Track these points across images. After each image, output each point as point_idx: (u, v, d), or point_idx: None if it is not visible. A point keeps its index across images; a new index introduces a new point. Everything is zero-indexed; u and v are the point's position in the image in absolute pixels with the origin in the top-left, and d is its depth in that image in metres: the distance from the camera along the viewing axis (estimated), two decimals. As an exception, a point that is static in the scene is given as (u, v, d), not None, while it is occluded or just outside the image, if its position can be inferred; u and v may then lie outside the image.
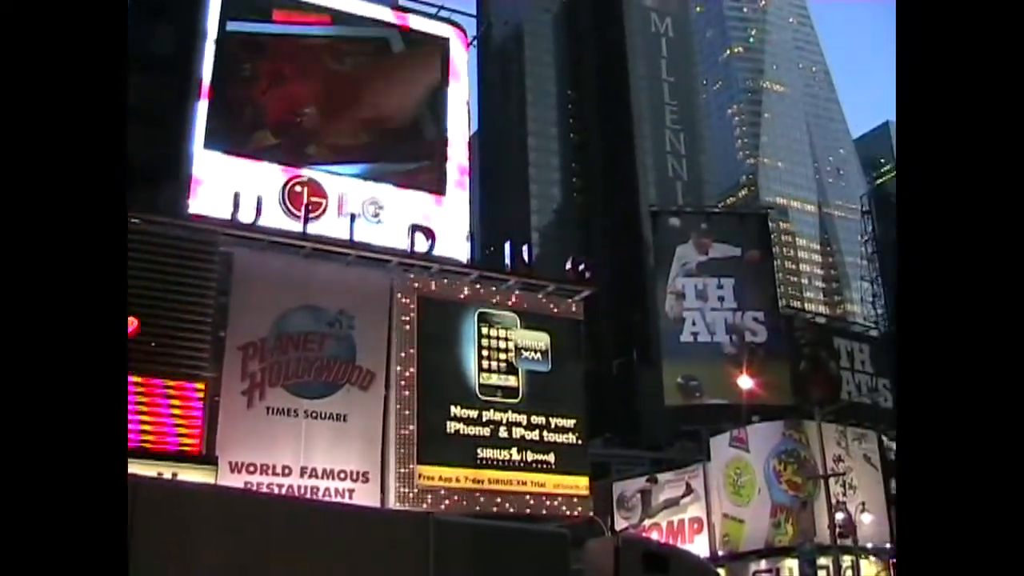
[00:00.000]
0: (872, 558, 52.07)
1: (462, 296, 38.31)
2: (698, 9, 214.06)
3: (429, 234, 38.76)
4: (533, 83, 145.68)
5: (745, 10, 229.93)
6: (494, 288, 39.49)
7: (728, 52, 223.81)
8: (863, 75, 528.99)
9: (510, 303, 39.10)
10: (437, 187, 41.97)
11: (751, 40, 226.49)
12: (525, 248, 42.54)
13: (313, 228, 36.51)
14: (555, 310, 40.24)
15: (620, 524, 53.77)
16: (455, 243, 40.51)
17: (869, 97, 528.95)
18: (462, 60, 45.32)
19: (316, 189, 38.65)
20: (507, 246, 42.12)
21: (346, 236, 36.88)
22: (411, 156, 42.24)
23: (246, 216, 34.82)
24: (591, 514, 39.14)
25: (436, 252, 38.70)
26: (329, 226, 37.45)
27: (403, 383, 35.47)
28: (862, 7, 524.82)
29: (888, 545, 53.20)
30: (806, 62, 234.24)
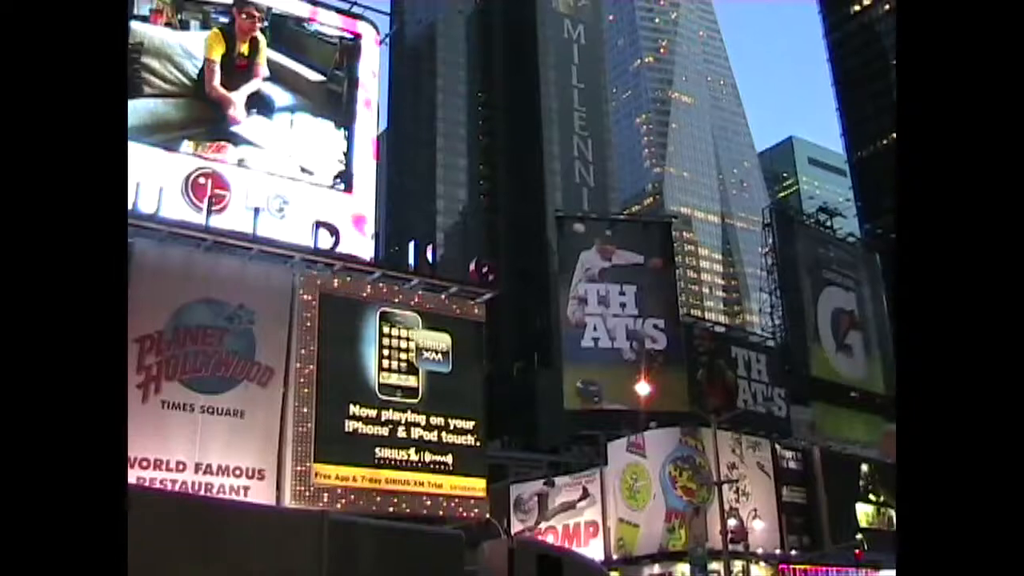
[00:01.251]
0: (762, 564, 53.09)
1: (364, 295, 38.04)
2: (611, 18, 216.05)
3: (333, 231, 38.47)
4: (444, 83, 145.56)
5: (657, 21, 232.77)
6: (397, 287, 39.33)
7: (638, 62, 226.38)
8: (768, 91, 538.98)
9: (413, 303, 38.96)
10: (342, 184, 41.69)
11: (661, 51, 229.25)
12: (429, 248, 42.50)
13: (216, 221, 35.97)
14: (457, 311, 40.21)
15: (517, 527, 53.96)
16: (359, 241, 40.29)
17: (774, 112, 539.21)
18: (373, 57, 45.03)
19: (220, 181, 38.12)
20: (411, 246, 42.04)
21: (249, 230, 36.43)
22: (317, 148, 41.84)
23: (147, 206, 34.17)
24: (488, 516, 39.18)
25: (340, 249, 38.43)
26: (232, 219, 36.95)
27: (302, 380, 35.11)
28: (770, 25, 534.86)
29: (778, 551, 54.28)
30: (714, 75, 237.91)
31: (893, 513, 61.87)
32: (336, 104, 43.16)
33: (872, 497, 63.19)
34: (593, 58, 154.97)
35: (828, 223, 78.86)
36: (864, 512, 61.79)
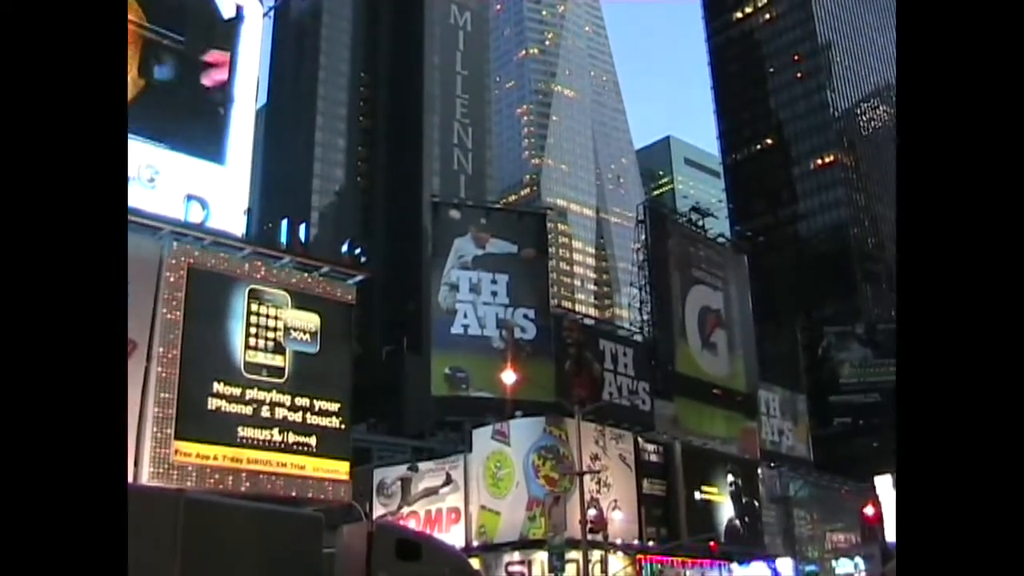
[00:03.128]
0: (620, 554, 53.99)
1: (234, 271, 37.40)
2: (498, 7, 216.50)
3: (205, 205, 37.75)
4: (327, 61, 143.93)
5: (544, 14, 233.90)
6: (267, 265, 38.75)
7: (523, 52, 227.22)
8: (649, 90, 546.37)
9: (283, 282, 38.47)
10: (217, 157, 40.87)
11: (547, 43, 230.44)
12: (302, 227, 41.98)
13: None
14: (328, 292, 39.84)
15: (379, 511, 53.81)
16: (231, 216, 39.60)
17: (653, 111, 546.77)
18: (255, 29, 44.22)
19: (88, 147, 37.02)
20: (284, 224, 41.48)
21: (117, 199, 35.45)
22: (192, 119, 40.96)
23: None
24: (350, 499, 38.98)
25: (211, 224, 37.72)
26: (100, 187, 35.91)
27: (165, 356, 34.40)
28: (655, 25, 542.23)
29: (636, 542, 55.28)
30: (597, 70, 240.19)
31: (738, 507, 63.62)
32: (215, 76, 42.30)
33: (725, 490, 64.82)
34: (478, 46, 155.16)
35: (700, 223, 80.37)
36: (715, 507, 63.35)
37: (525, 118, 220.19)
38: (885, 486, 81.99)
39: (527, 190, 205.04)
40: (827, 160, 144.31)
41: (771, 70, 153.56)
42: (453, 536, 50.98)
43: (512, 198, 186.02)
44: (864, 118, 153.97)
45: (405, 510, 54.85)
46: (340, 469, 38.31)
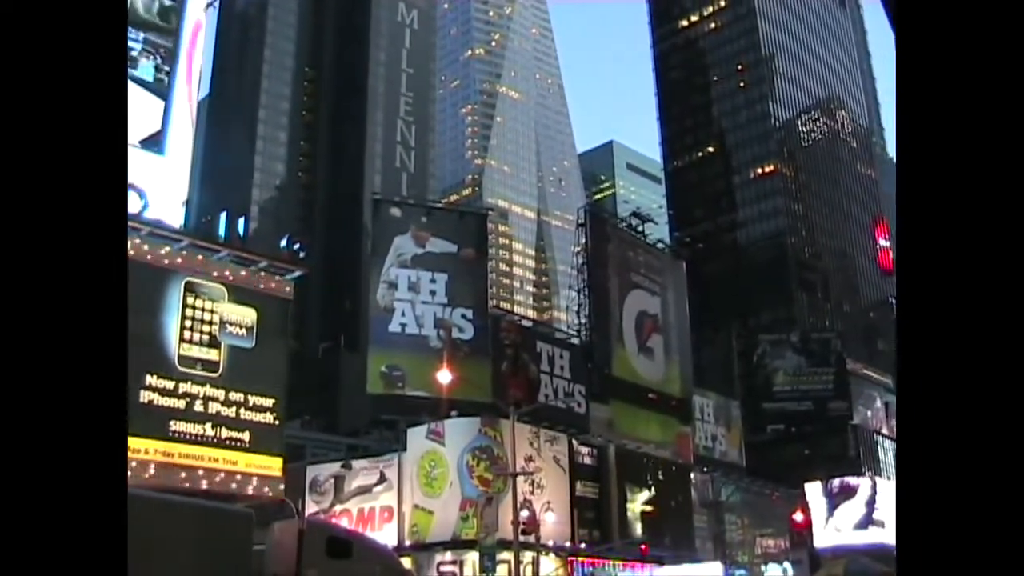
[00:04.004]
0: (552, 555, 54.15)
1: (170, 262, 36.99)
2: (446, 6, 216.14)
3: (142, 195, 37.32)
4: (272, 54, 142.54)
5: (491, 14, 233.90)
6: (205, 258, 38.42)
7: (469, 53, 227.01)
8: (594, 94, 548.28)
9: (220, 275, 38.14)
10: (156, 147, 40.40)
11: (493, 44, 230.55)
12: (242, 221, 41.70)
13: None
14: (265, 287, 39.59)
15: (312, 508, 53.48)
16: (169, 207, 39.18)
17: (597, 116, 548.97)
18: (198, 18, 43.80)
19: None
20: (223, 216, 41.18)
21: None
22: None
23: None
24: (282, 496, 38.70)
25: (148, 215, 37.29)
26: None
27: (97, 346, 33.90)
28: (602, 30, 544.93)
29: (568, 544, 55.49)
30: (543, 73, 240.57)
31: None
32: (155, 63, 41.80)
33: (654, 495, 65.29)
34: (424, 44, 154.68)
35: (640, 228, 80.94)
36: (647, 510, 63.77)
37: (469, 118, 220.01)
38: (815, 493, 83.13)
39: (469, 190, 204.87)
40: (767, 170, 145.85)
41: (715, 79, 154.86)
42: (385, 535, 50.83)
43: (454, 198, 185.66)
44: (804, 129, 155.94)
45: (338, 508, 54.59)
46: (273, 465, 38.09)
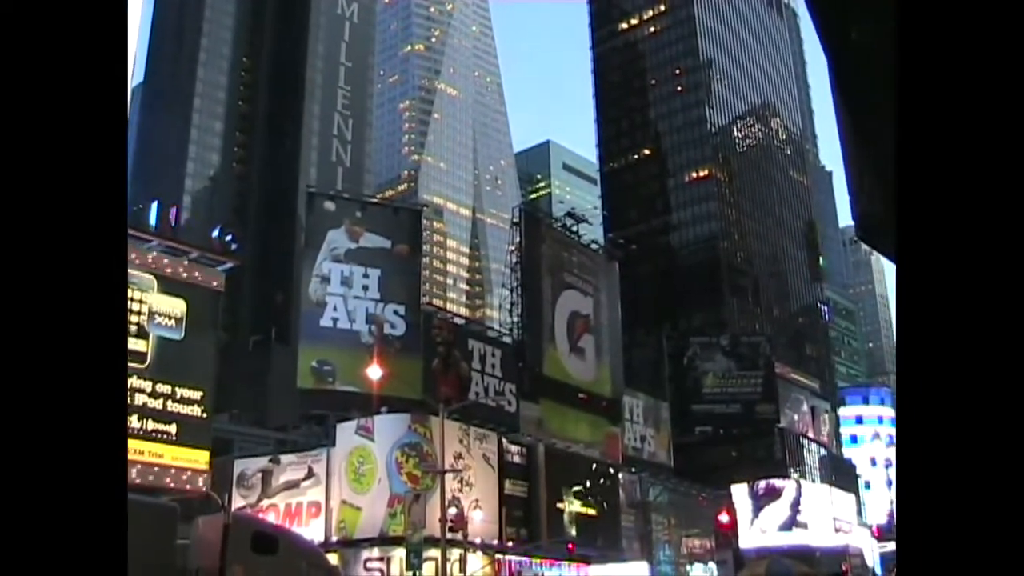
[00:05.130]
0: (479, 553, 54.21)
1: (99, 251, 36.42)
2: (386, 1, 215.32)
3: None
4: (209, 43, 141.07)
5: (432, 10, 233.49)
6: (135, 248, 37.92)
7: (409, 48, 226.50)
8: (532, 94, 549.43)
9: (149, 265, 37.69)
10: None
11: (433, 40, 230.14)
12: (173, 210, 41.21)
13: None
14: (196, 278, 39.21)
15: (238, 502, 52.97)
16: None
17: (535, 115, 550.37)
18: (130, 1, 43.22)
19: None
20: (155, 206, 40.64)
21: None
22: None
23: None
24: (208, 490, 38.37)
25: (77, 202, 36.73)
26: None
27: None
28: (542, 30, 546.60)
29: (495, 542, 55.58)
30: (482, 71, 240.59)
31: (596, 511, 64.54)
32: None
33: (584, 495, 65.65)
34: (364, 38, 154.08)
35: (574, 228, 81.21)
36: (575, 509, 64.10)
37: (407, 114, 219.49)
38: (741, 494, 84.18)
39: (404, 186, 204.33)
40: (702, 174, 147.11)
41: (652, 82, 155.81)
42: (312, 530, 50.51)
43: (389, 193, 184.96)
44: (739, 135, 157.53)
45: (265, 503, 54.15)
46: (199, 459, 37.78)
